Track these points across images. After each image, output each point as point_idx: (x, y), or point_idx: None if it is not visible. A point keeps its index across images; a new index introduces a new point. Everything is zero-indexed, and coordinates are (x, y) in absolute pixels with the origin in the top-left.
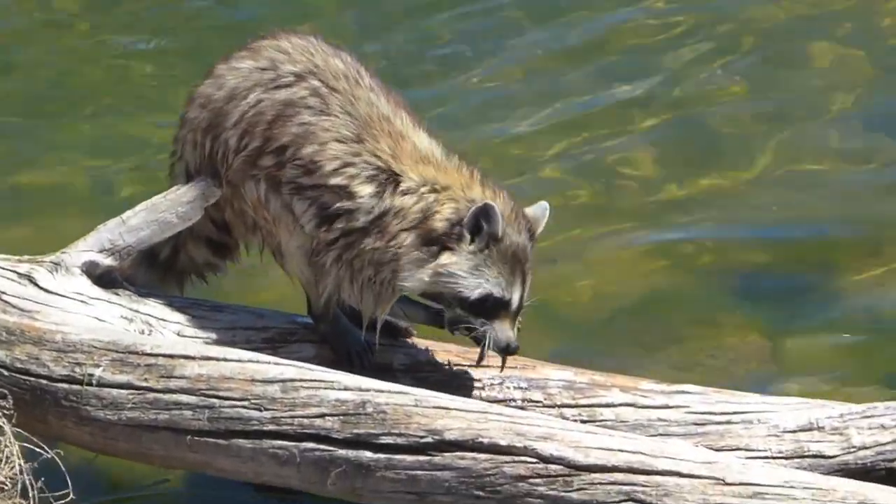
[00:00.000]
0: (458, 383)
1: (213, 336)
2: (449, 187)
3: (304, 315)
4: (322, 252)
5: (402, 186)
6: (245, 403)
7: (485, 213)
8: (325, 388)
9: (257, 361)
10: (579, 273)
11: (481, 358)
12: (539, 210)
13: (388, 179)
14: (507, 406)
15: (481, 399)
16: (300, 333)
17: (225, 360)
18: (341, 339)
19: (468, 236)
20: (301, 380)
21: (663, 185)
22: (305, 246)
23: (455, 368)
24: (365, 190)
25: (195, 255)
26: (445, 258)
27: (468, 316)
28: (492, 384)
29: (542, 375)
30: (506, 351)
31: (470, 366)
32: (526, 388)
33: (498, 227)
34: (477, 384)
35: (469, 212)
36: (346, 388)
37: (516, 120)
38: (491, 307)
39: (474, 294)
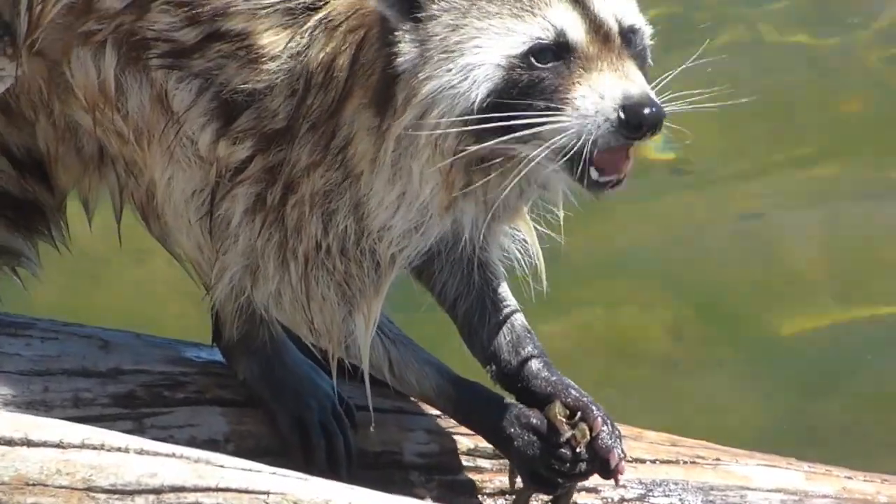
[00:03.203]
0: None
1: (3, 390)
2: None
3: (209, 344)
4: (225, 196)
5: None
6: None
7: None
8: None
9: (99, 448)
10: None
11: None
12: None
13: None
14: None
15: None
16: (197, 384)
17: (27, 444)
18: (286, 396)
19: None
20: (199, 489)
21: None
22: (200, 187)
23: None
24: (275, 43)
25: None
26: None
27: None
28: (619, 500)
29: (726, 479)
30: (640, 122)
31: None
32: None
33: None
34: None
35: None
36: None
37: None
38: (545, 79)
39: (479, 85)
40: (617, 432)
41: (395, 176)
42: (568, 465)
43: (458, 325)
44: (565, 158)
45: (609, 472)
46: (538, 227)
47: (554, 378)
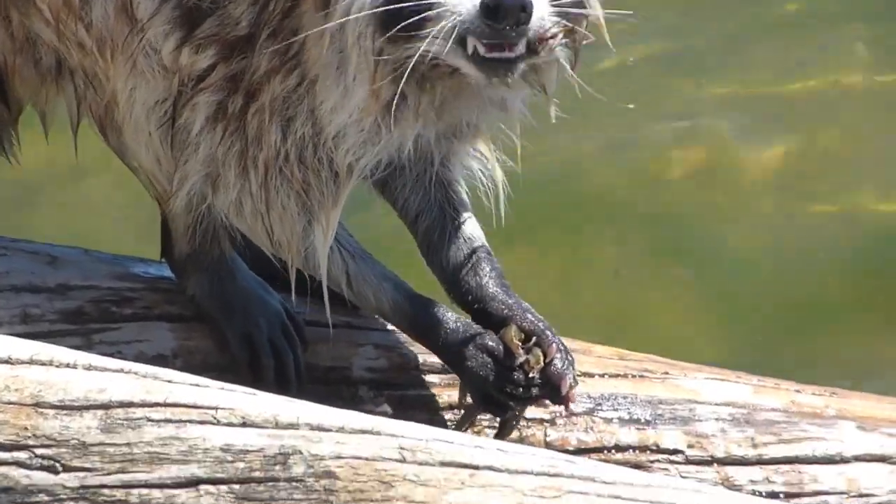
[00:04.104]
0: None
1: None
2: None
3: (158, 260)
4: (186, 104)
5: None
6: (20, 457)
7: None
8: (200, 423)
9: (48, 364)
10: None
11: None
12: None
13: None
14: (604, 460)
15: (546, 446)
16: (145, 300)
17: None
18: (235, 313)
19: None
20: (147, 404)
21: None
22: (163, 97)
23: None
24: None
25: None
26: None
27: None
28: (567, 414)
29: (674, 393)
30: (497, 5)
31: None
32: (645, 422)
33: None
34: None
35: None
36: (245, 423)
37: None
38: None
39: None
40: (570, 359)
41: (339, 79)
42: (521, 389)
43: (418, 241)
44: (452, 40)
45: (560, 398)
46: (497, 151)
47: (511, 301)
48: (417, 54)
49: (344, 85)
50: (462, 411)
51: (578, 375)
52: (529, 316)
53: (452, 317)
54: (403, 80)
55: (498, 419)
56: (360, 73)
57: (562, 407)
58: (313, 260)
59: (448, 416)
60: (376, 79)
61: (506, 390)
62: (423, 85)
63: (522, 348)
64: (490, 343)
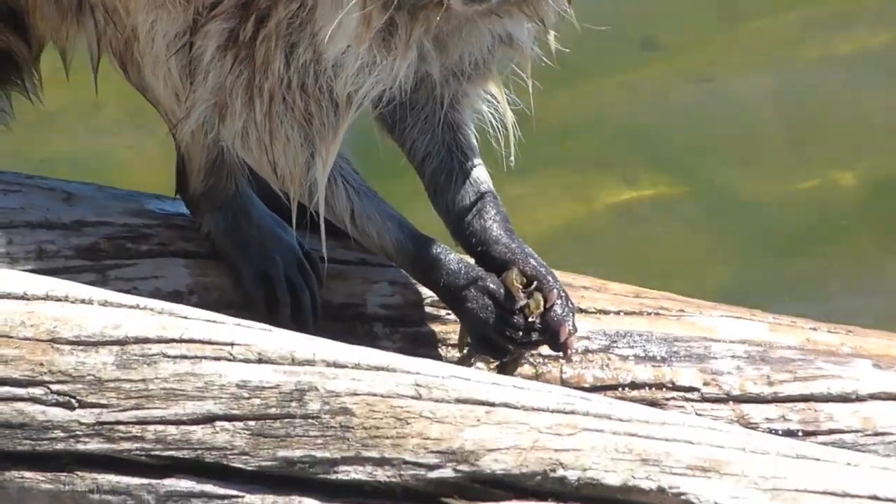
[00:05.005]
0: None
1: None
2: None
3: (173, 196)
4: (198, 32)
5: None
6: (35, 392)
7: None
8: (216, 360)
9: (63, 300)
10: None
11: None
12: None
13: None
14: (619, 398)
15: (562, 384)
16: (161, 237)
17: None
18: (251, 250)
19: None
20: (163, 340)
21: None
22: (183, 30)
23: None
24: None
25: None
26: None
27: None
28: (583, 351)
29: (690, 330)
30: None
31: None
32: (660, 359)
33: None
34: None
35: None
36: (261, 360)
37: None
38: None
39: None
40: (571, 305)
41: (334, 6)
42: (520, 333)
43: (424, 183)
44: None
45: (558, 344)
46: (509, 94)
47: (514, 245)
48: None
49: (338, 12)
50: (461, 354)
51: (593, 312)
52: (532, 261)
53: (455, 258)
54: (393, 6)
55: (496, 362)
56: (352, 0)
57: (560, 353)
58: (317, 193)
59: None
60: (366, 6)
61: (505, 333)
62: (414, 14)
63: (523, 292)
64: (491, 286)
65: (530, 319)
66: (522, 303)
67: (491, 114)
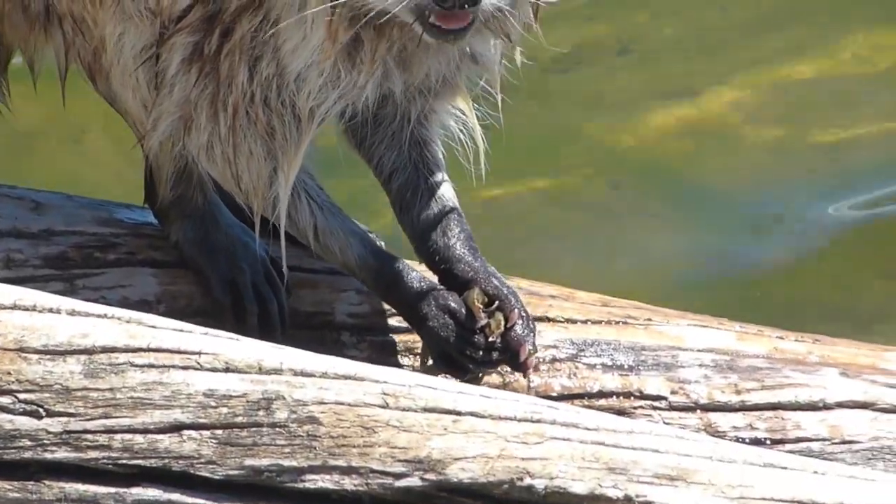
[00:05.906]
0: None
1: None
2: None
3: (141, 206)
4: (163, 45)
5: None
6: (3, 401)
7: None
8: (183, 369)
9: (31, 309)
10: None
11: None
12: None
13: None
14: (587, 406)
15: (528, 391)
16: (129, 246)
17: None
18: (218, 259)
19: None
20: (130, 349)
21: None
22: (150, 42)
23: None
24: None
25: None
26: None
27: None
28: (550, 360)
29: (657, 339)
30: None
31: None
32: (628, 368)
33: None
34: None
35: None
36: (229, 369)
37: None
38: None
39: None
40: (532, 326)
41: (299, 21)
42: (481, 352)
43: (391, 199)
44: (406, 5)
45: (518, 364)
46: (479, 108)
47: (477, 264)
48: (373, 11)
49: (303, 26)
50: (427, 366)
51: (561, 321)
52: (494, 280)
53: (417, 276)
54: (360, 24)
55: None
56: (318, 15)
57: (519, 374)
58: (279, 208)
59: (430, 363)
60: (333, 22)
61: (466, 352)
62: (381, 31)
63: (484, 311)
64: (452, 304)
65: (490, 339)
66: (483, 322)
67: (461, 129)
